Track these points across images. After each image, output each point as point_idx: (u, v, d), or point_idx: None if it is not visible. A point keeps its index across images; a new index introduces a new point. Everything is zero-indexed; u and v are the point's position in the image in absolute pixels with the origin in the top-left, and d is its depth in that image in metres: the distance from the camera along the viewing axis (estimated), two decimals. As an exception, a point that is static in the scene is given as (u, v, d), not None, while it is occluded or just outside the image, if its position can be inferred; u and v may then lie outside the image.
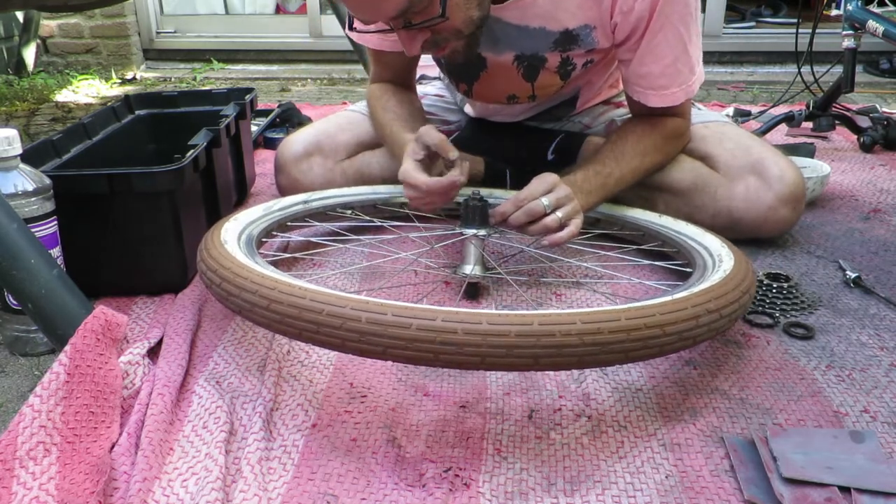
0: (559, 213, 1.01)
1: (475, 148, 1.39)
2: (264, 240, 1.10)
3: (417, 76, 1.57)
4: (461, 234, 1.07)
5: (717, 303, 0.81)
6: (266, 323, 0.78)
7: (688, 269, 1.02)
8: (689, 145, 1.24)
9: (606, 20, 1.11)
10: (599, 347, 0.72)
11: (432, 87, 1.54)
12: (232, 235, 0.96)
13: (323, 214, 1.21)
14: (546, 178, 1.03)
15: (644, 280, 1.12)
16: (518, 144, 1.40)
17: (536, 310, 0.82)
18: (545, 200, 1.01)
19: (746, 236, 1.18)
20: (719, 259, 0.97)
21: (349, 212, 1.23)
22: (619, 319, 0.73)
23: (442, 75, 1.55)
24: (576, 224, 1.02)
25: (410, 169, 1.07)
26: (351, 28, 1.25)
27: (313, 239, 1.23)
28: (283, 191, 1.36)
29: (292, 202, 1.18)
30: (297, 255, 1.20)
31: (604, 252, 1.18)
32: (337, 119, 1.40)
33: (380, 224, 1.25)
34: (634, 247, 1.16)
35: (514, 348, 0.70)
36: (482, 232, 1.05)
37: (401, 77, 1.35)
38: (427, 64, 1.94)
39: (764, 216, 1.17)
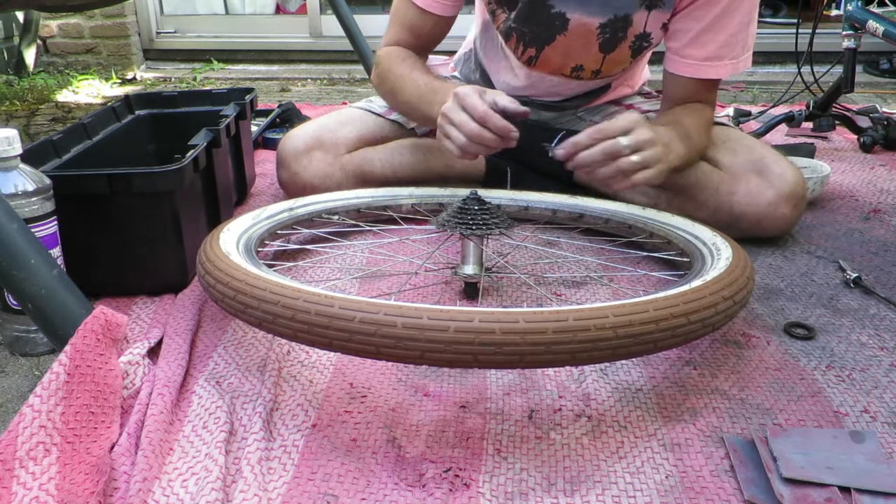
0: (635, 158, 0.96)
1: None
2: (259, 249, 1.10)
3: None
4: (460, 235, 1.07)
5: (730, 290, 0.83)
6: (290, 334, 0.77)
7: (684, 259, 1.03)
8: None
9: None
10: (632, 339, 0.73)
11: None
12: (232, 246, 0.96)
13: (309, 221, 1.21)
14: (629, 116, 1.00)
15: (647, 272, 1.13)
16: (520, 141, 1.40)
17: (564, 306, 0.83)
18: (624, 140, 0.96)
19: (747, 234, 1.19)
20: (716, 248, 0.99)
21: (335, 217, 1.23)
22: (647, 311, 0.74)
23: (455, 72, 1.54)
24: (657, 170, 0.99)
25: (472, 91, 1.05)
26: None
27: (309, 246, 1.23)
28: (284, 185, 1.36)
29: (278, 210, 1.18)
30: (298, 262, 1.19)
31: (598, 246, 1.18)
32: (338, 115, 1.40)
33: (378, 229, 1.25)
34: (625, 239, 1.18)
35: (553, 345, 0.70)
36: (480, 232, 1.05)
37: (422, 45, 1.34)
38: (435, 64, 1.94)
39: (764, 213, 1.18)
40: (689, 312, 0.77)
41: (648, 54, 1.37)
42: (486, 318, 0.70)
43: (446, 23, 1.30)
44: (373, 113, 1.41)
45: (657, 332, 0.75)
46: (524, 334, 0.70)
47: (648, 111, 1.37)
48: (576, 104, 1.41)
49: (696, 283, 0.83)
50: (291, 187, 1.34)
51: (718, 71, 1.18)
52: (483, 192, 1.10)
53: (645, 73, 1.48)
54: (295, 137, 1.35)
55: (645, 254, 1.17)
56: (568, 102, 1.41)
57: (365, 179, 1.34)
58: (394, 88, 1.29)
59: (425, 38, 1.32)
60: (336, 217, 1.23)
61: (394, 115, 1.41)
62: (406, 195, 1.29)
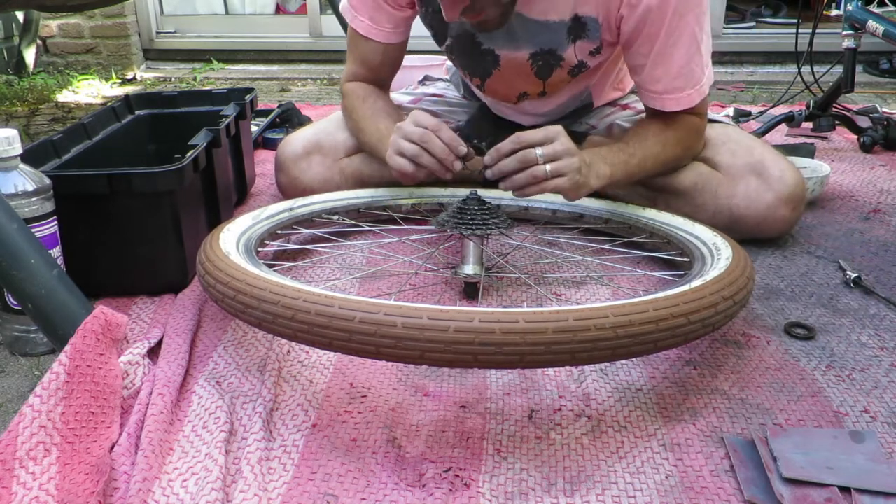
0: (549, 167, 1.01)
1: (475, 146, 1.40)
2: (259, 249, 1.10)
3: (421, 77, 1.58)
4: (460, 234, 1.06)
5: (730, 290, 0.83)
6: (290, 334, 0.77)
7: (684, 259, 1.03)
8: None
9: (613, 13, 1.12)
10: (632, 339, 0.73)
11: (434, 87, 1.54)
12: (231, 247, 0.96)
13: (309, 221, 1.21)
14: (548, 128, 1.04)
15: (647, 272, 1.13)
16: None
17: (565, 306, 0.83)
18: (539, 150, 1.01)
19: (746, 236, 1.19)
20: (716, 248, 0.99)
21: (335, 217, 1.23)
22: (647, 311, 0.74)
23: (448, 76, 1.55)
24: (570, 179, 1.03)
25: (423, 113, 1.09)
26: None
27: (309, 246, 1.23)
28: (283, 189, 1.36)
29: (278, 210, 1.17)
30: (298, 263, 1.19)
31: (598, 246, 1.18)
32: (337, 117, 1.40)
33: (378, 229, 1.25)
34: (625, 239, 1.18)
35: (553, 345, 0.70)
36: (480, 232, 1.05)
37: (379, 77, 1.34)
38: (431, 64, 1.94)
39: (763, 215, 1.18)
40: (689, 312, 0.77)
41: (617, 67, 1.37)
42: (486, 318, 0.70)
43: (395, 50, 1.31)
44: None
45: (657, 331, 0.75)
46: (524, 334, 0.70)
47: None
48: (564, 123, 1.41)
49: (697, 283, 0.83)
50: (291, 191, 1.34)
51: (681, 101, 1.16)
52: (483, 192, 1.10)
53: None
54: (293, 141, 1.35)
55: (645, 254, 1.17)
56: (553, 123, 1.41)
57: (364, 183, 1.34)
58: (357, 128, 1.30)
59: (378, 69, 1.32)
60: (336, 217, 1.23)
61: None
62: (406, 195, 1.29)
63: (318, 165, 1.33)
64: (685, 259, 1.04)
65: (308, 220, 1.21)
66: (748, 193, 1.18)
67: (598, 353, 0.73)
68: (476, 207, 1.04)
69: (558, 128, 1.05)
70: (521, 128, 1.44)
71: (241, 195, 1.46)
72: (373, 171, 1.35)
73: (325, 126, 1.38)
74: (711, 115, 1.31)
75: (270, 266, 1.03)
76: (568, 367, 0.89)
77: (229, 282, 0.83)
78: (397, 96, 1.50)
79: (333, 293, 0.75)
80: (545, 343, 0.71)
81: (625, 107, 1.41)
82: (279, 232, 1.15)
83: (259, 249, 1.05)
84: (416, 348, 0.71)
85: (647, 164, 1.16)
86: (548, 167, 1.02)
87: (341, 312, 0.73)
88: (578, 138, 1.37)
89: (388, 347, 0.72)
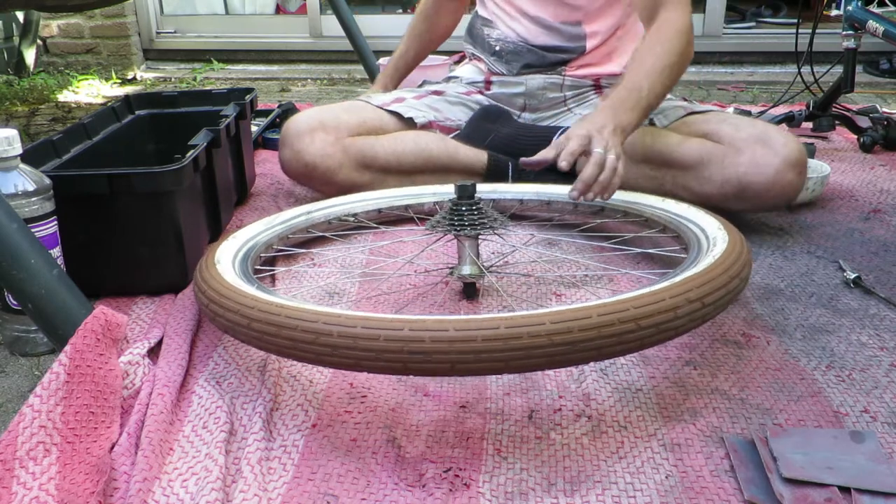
0: (612, 155, 1.08)
1: (478, 142, 1.42)
2: (263, 255, 1.10)
3: (420, 82, 1.59)
4: (456, 235, 1.06)
5: (699, 291, 0.77)
6: (277, 350, 0.78)
7: (681, 256, 1.02)
8: (693, 127, 1.29)
9: None
10: (570, 346, 0.71)
11: (436, 85, 1.56)
12: (230, 254, 0.97)
13: (326, 223, 1.22)
14: (577, 130, 1.10)
15: (631, 270, 1.14)
16: (519, 139, 1.42)
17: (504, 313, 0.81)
18: (598, 148, 1.07)
19: (753, 204, 1.21)
20: (713, 242, 0.95)
21: (352, 219, 1.24)
22: (590, 317, 0.71)
23: (455, 73, 1.56)
24: (623, 162, 1.10)
25: None
26: None
27: (302, 250, 1.23)
28: (287, 164, 1.38)
29: (294, 214, 1.18)
30: (293, 266, 1.19)
31: (597, 244, 1.18)
32: (340, 105, 1.45)
33: (383, 230, 1.26)
34: (626, 235, 1.17)
35: (482, 353, 0.70)
36: (471, 232, 1.04)
37: None
38: (434, 64, 1.94)
39: (772, 180, 1.19)
40: (637, 318, 0.73)
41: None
42: (415, 326, 0.70)
43: None
44: (371, 104, 1.44)
45: (599, 338, 0.71)
46: (453, 342, 0.70)
47: None
48: (559, 59, 1.45)
49: (659, 285, 0.79)
50: (294, 164, 1.36)
51: None
52: (487, 187, 1.10)
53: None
54: (298, 119, 1.38)
55: (640, 251, 1.18)
56: (550, 53, 1.44)
57: (367, 164, 1.37)
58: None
59: None
60: (353, 219, 1.24)
61: (391, 107, 1.45)
62: (429, 194, 1.30)
63: (320, 141, 1.35)
64: (682, 256, 1.02)
65: (324, 224, 1.21)
66: (755, 160, 1.20)
67: (532, 360, 0.71)
68: (466, 207, 1.03)
69: (582, 130, 1.10)
70: (518, 123, 1.46)
71: (241, 195, 1.46)
72: (377, 153, 1.39)
73: (330, 107, 1.42)
74: (708, 106, 1.36)
75: (270, 269, 1.03)
76: (568, 368, 0.89)
77: (220, 301, 0.84)
78: (399, 93, 1.52)
79: (285, 301, 0.77)
80: (474, 351, 0.70)
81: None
82: (290, 236, 1.16)
83: (262, 255, 1.06)
84: (352, 356, 0.72)
85: (655, 89, 1.19)
86: (611, 155, 1.08)
87: (286, 321, 0.75)
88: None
89: (326, 356, 0.73)
